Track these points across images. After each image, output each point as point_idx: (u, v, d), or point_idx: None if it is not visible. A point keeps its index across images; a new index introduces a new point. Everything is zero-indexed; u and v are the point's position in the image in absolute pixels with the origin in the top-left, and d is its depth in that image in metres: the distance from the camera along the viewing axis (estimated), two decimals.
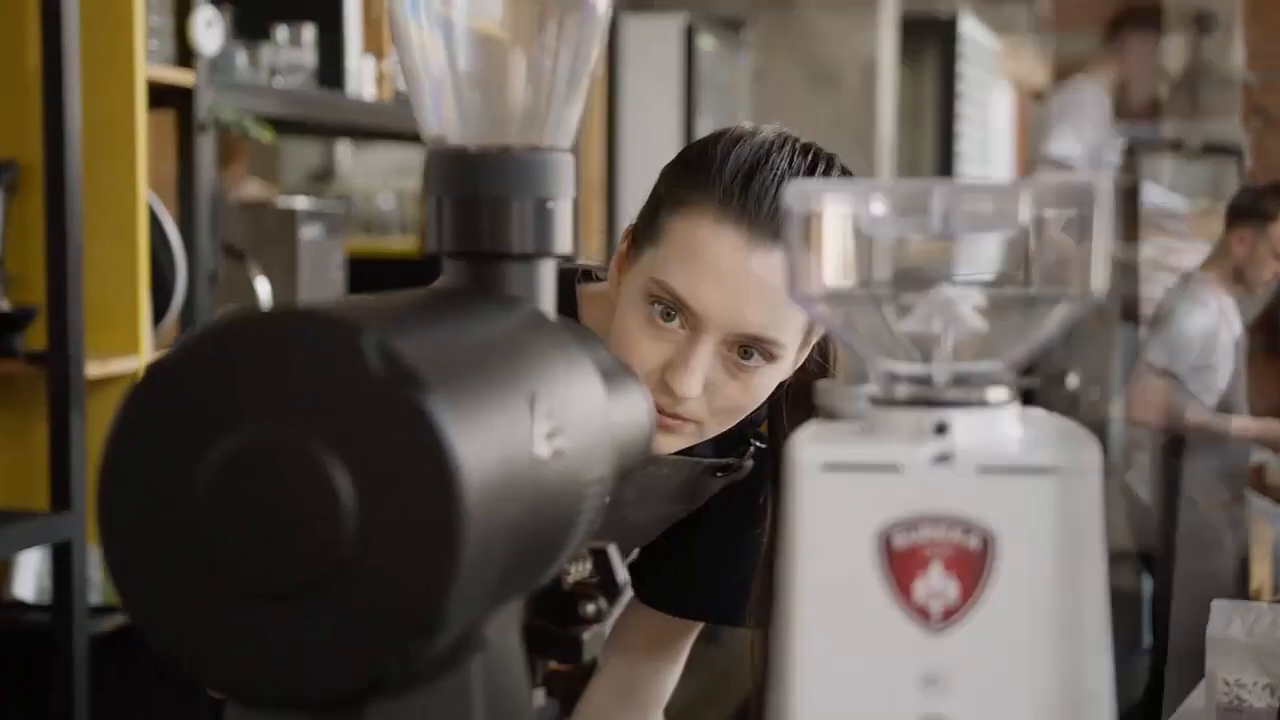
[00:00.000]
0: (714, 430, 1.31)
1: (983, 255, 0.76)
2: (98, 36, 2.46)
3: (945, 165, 7.57)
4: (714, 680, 3.53)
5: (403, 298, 0.73)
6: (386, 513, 0.61)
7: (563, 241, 0.83)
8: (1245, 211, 4.41)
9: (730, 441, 1.43)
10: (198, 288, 2.68)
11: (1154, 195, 4.36)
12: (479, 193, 0.81)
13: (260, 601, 0.62)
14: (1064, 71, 9.96)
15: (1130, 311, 4.97)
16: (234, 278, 2.94)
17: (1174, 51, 4.64)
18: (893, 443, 0.70)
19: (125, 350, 2.49)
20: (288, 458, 0.62)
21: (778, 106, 5.50)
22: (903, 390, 0.72)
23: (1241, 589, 4.14)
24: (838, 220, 0.71)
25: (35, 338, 2.40)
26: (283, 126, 3.20)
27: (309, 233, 3.05)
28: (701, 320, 1.25)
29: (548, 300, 0.83)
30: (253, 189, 3.93)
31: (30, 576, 2.57)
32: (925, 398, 0.71)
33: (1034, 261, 0.71)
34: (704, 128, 6.02)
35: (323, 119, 3.15)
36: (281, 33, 3.03)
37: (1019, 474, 0.68)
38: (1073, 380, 4.53)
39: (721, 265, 1.24)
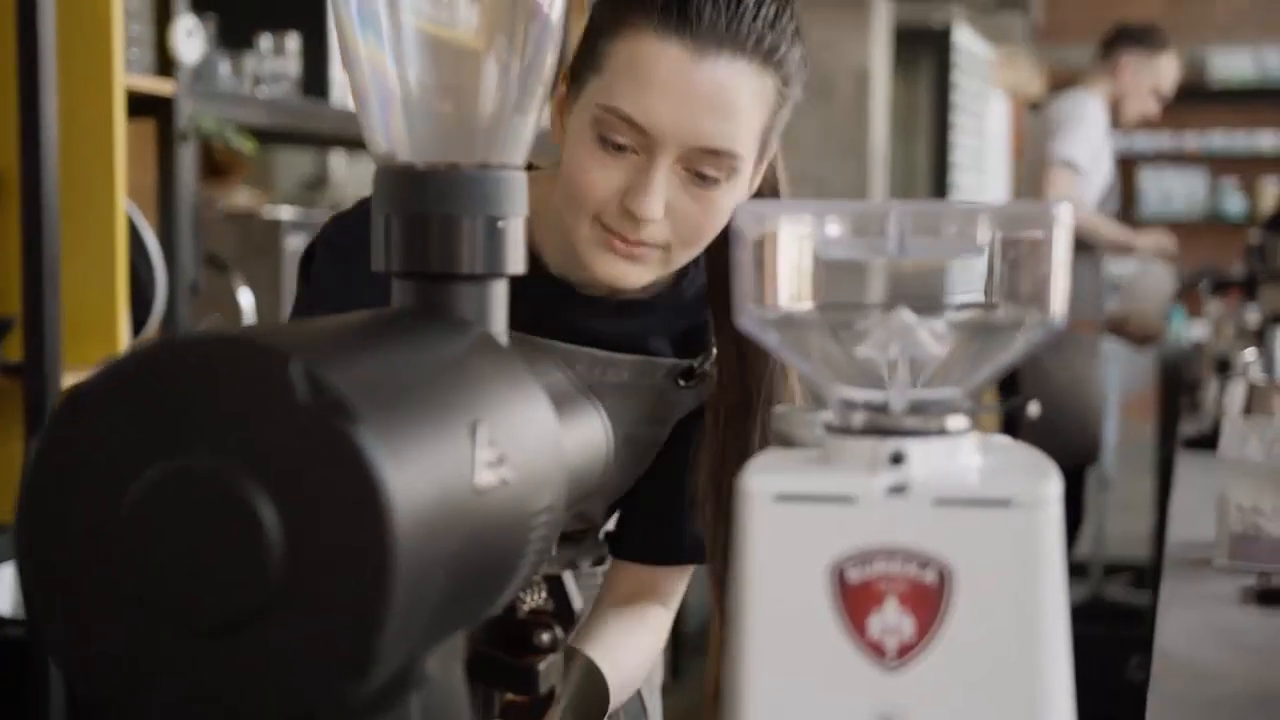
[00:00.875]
0: (681, 257, 1.28)
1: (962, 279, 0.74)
2: (76, 44, 2.43)
3: (940, 175, 7.55)
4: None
5: (343, 322, 0.71)
6: (314, 546, 0.59)
7: (515, 261, 0.81)
8: (1136, 41, 4.52)
9: (690, 349, 1.41)
10: (178, 298, 2.66)
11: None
12: (428, 211, 0.79)
13: (184, 636, 0.60)
14: (1059, 82, 9.96)
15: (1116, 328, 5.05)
16: (216, 288, 2.91)
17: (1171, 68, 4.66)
18: (847, 473, 0.68)
19: (104, 361, 2.46)
20: (213, 488, 0.59)
21: None
22: (859, 418, 0.70)
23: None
24: (791, 242, 0.69)
25: (11, 349, 2.37)
26: (267, 136, 3.17)
27: (295, 243, 3.02)
28: (654, 139, 1.22)
29: (499, 321, 0.80)
30: (243, 198, 3.90)
31: (6, 590, 2.54)
32: (881, 426, 0.69)
33: (994, 286, 0.69)
34: None
35: (306, 128, 3.13)
36: (265, 41, 3.01)
37: (976, 506, 0.66)
38: (1034, 409, 4.54)
39: (668, 80, 1.21)
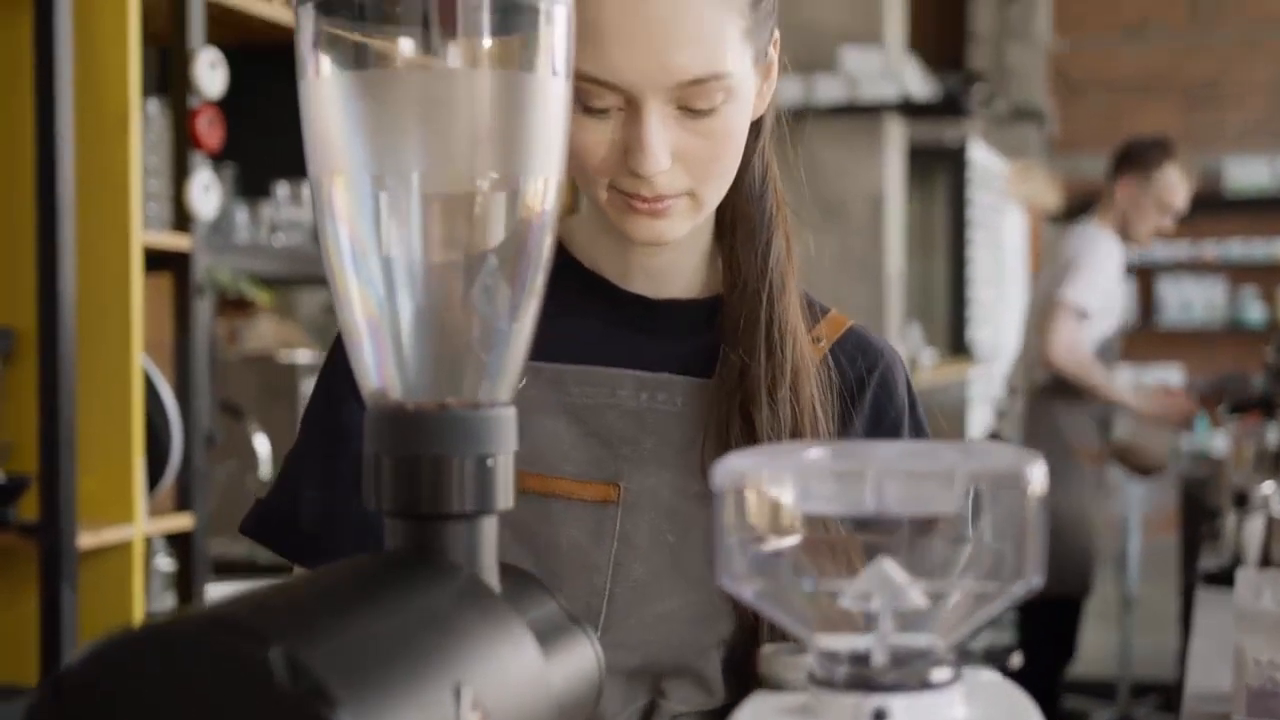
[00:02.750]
0: (713, 197, 1.18)
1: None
2: (95, 201, 2.47)
3: (958, 290, 7.58)
4: None
5: (325, 582, 0.72)
6: None
7: (505, 497, 0.82)
8: (1130, 162, 4.53)
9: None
10: (194, 450, 2.67)
11: None
12: (418, 452, 0.80)
13: None
14: (1075, 192, 10.03)
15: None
16: (233, 435, 2.93)
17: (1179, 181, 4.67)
18: None
19: (119, 519, 2.47)
20: None
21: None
22: (841, 672, 0.70)
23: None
24: (770, 499, 0.70)
25: (28, 507, 2.39)
26: (285, 280, 3.21)
27: (311, 386, 3.04)
28: (628, 92, 1.12)
29: (489, 558, 0.81)
30: (266, 327, 3.94)
31: None
32: (864, 680, 0.69)
33: (973, 546, 0.69)
34: None
35: (322, 273, 3.16)
36: (282, 189, 3.05)
37: None
38: (1016, 659, 4.58)
39: (619, 25, 1.11)
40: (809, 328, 1.28)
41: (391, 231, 0.80)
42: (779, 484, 0.70)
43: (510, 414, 0.82)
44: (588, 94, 1.14)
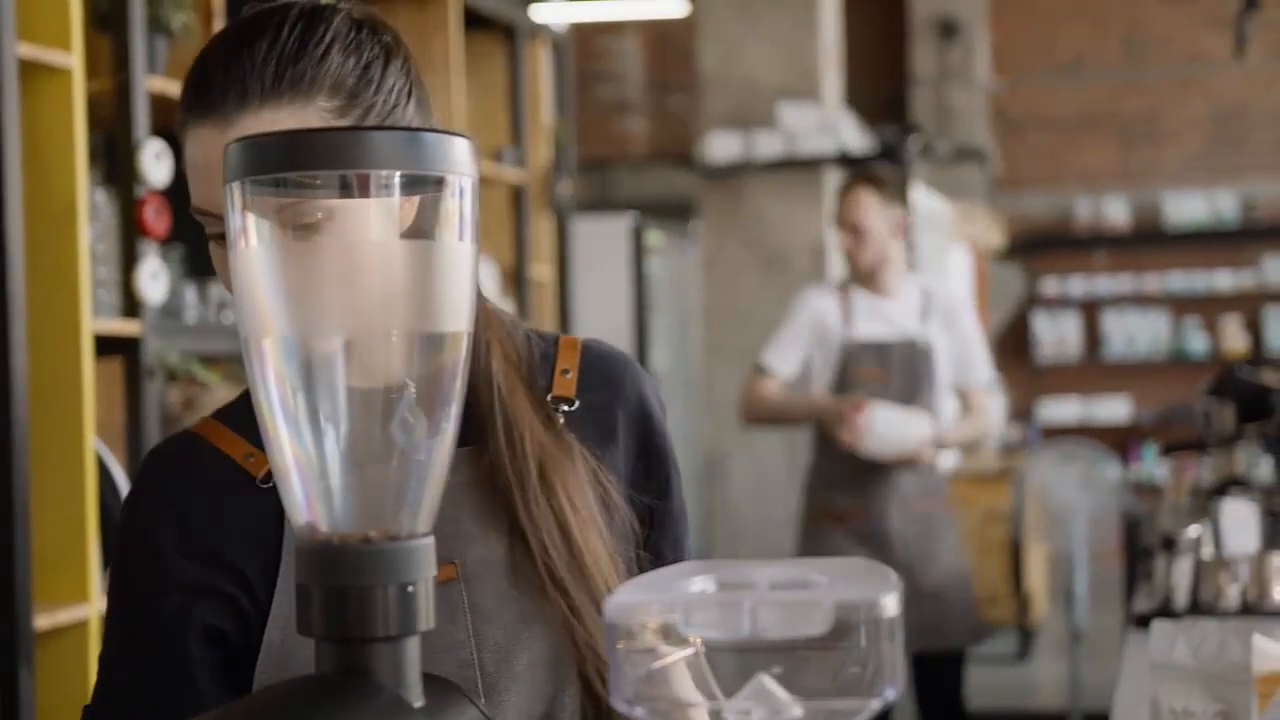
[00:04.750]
0: None
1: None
2: (45, 291, 2.54)
3: None
4: None
5: (260, 704, 0.79)
6: None
7: (426, 619, 0.90)
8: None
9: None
10: None
11: None
12: (345, 582, 0.88)
13: None
14: (1018, 229, 10.19)
15: None
16: None
17: None
18: None
19: (74, 599, 2.53)
20: None
21: (728, 290, 5.63)
22: None
23: None
24: (658, 628, 0.78)
25: None
26: (235, 357, 3.28)
27: None
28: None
29: (413, 675, 0.89)
30: (220, 395, 3.98)
31: None
32: None
33: (839, 664, 0.78)
34: (656, 320, 6.15)
35: None
36: None
37: None
38: None
39: (207, 158, 1.18)
40: (550, 364, 1.34)
41: (317, 383, 0.89)
42: (666, 614, 0.78)
43: (429, 543, 0.90)
44: (206, 224, 1.22)
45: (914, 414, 4.00)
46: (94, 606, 2.58)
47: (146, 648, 1.27)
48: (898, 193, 4.11)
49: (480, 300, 1.29)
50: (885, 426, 3.96)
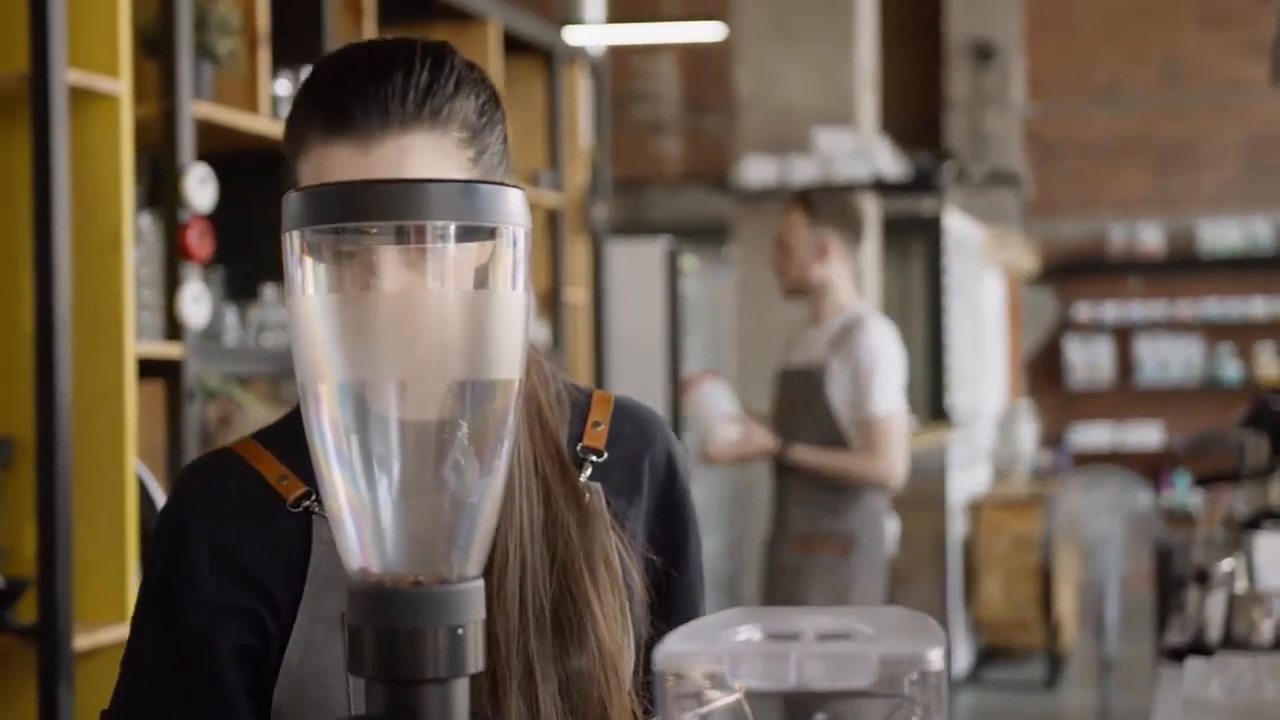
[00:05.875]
0: None
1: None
2: (90, 315, 2.57)
3: (936, 356, 7.69)
4: None
5: None
6: None
7: (475, 661, 0.91)
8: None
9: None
10: None
11: None
12: (396, 624, 0.90)
13: None
14: (1051, 254, 10.18)
15: None
16: None
17: None
18: None
19: (114, 620, 2.56)
20: None
21: (763, 314, 5.64)
22: None
23: None
24: (707, 678, 0.80)
25: (25, 611, 2.47)
26: (274, 378, 3.31)
27: None
28: None
29: (460, 716, 0.91)
30: (256, 413, 4.02)
31: None
32: None
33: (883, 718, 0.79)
34: (691, 343, 6.17)
35: None
36: (269, 291, 3.16)
37: None
38: None
39: (341, 176, 1.21)
40: (582, 415, 1.37)
41: (371, 427, 0.91)
42: (714, 664, 0.80)
43: (478, 586, 0.92)
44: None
45: (734, 411, 3.97)
46: None
47: (173, 657, 1.29)
48: (837, 221, 4.02)
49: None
50: (699, 401, 3.98)
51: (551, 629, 1.27)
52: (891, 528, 4.20)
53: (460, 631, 0.90)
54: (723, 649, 0.80)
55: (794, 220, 4.03)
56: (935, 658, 0.77)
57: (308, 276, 0.90)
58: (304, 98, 1.27)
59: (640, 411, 1.41)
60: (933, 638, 0.79)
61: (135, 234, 2.68)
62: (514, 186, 0.92)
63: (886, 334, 4.00)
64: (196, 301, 2.76)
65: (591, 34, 5.69)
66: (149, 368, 2.73)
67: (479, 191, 0.91)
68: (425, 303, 0.90)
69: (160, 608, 1.31)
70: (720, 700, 0.81)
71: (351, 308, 0.91)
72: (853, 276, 4.11)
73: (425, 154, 1.23)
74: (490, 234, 0.91)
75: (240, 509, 1.31)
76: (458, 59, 1.28)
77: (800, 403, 3.99)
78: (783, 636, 0.82)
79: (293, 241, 0.90)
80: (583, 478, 1.32)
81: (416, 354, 0.90)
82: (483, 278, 0.90)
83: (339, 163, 1.23)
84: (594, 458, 1.34)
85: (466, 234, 0.90)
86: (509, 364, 0.91)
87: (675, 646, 0.80)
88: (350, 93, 1.24)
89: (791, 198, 4.18)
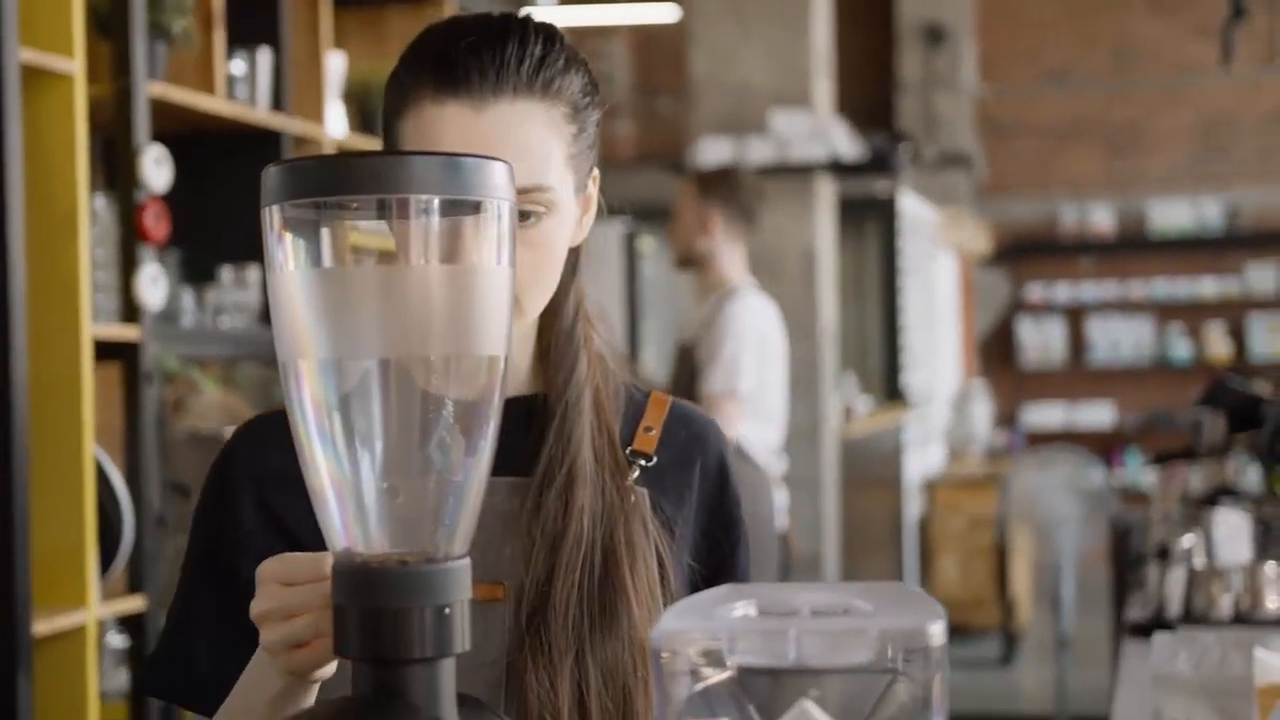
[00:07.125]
0: (534, 306, 1.26)
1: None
2: (45, 297, 2.54)
3: (890, 337, 7.71)
4: None
5: None
6: None
7: (462, 640, 0.90)
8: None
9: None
10: (144, 532, 2.73)
11: None
12: (381, 605, 0.88)
13: None
14: (1003, 235, 10.22)
15: None
16: (182, 513, 2.98)
17: None
18: None
19: (72, 604, 2.53)
20: None
21: None
22: None
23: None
24: (704, 655, 0.79)
25: None
26: (231, 360, 3.28)
27: None
28: None
29: (448, 696, 0.89)
30: (210, 397, 3.98)
31: None
32: None
33: (882, 693, 0.78)
34: (648, 325, 6.17)
35: (268, 355, 3.24)
36: (226, 273, 3.12)
37: None
38: None
39: (454, 135, 1.21)
40: (636, 418, 1.36)
41: (353, 405, 0.89)
42: (711, 641, 0.79)
43: (464, 565, 0.91)
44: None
45: None
46: (92, 612, 2.57)
47: (221, 598, 1.28)
48: (724, 198, 4.04)
49: (591, 343, 1.33)
50: None
51: (598, 610, 1.26)
52: (779, 499, 4.10)
53: (447, 611, 0.89)
54: (720, 625, 0.79)
55: (683, 190, 4.13)
56: (936, 632, 0.77)
57: (288, 252, 0.88)
58: (412, 58, 1.26)
59: (695, 417, 1.39)
60: (932, 612, 0.79)
61: (90, 215, 2.65)
62: (498, 160, 0.91)
63: (754, 311, 4.03)
64: (153, 283, 2.72)
65: (545, 15, 5.65)
66: (106, 350, 2.69)
67: (462, 165, 0.90)
68: (408, 278, 0.89)
69: (210, 558, 1.31)
70: (716, 678, 0.80)
71: (332, 283, 0.89)
72: (740, 255, 4.13)
73: (535, 121, 1.23)
74: (474, 208, 0.90)
75: (286, 465, 1.28)
76: (566, 39, 1.29)
77: (682, 377, 4.03)
78: (778, 613, 0.81)
79: (272, 216, 0.88)
80: (630, 480, 1.31)
81: (399, 330, 0.88)
82: (467, 252, 0.89)
83: (449, 121, 1.22)
84: (643, 462, 1.33)
85: (449, 208, 0.89)
86: (493, 340, 0.90)
87: (672, 624, 0.79)
88: (466, 52, 1.23)
89: (689, 174, 4.20)
